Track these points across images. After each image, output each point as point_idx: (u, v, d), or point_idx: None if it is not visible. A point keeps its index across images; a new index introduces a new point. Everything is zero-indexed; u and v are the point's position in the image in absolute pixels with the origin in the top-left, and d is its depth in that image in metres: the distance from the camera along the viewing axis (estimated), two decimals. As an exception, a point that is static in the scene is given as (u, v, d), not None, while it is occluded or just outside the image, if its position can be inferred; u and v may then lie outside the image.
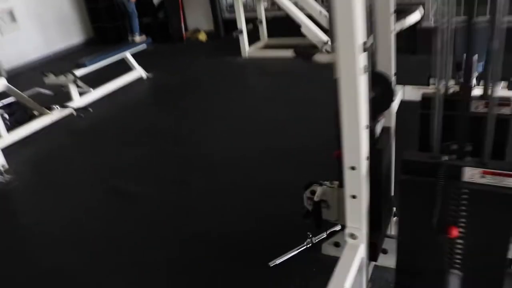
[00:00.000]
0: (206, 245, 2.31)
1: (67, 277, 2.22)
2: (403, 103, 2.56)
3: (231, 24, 5.94)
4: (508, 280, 1.35)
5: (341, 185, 1.87)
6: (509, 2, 1.25)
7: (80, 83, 4.55)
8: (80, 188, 3.04)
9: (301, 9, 4.98)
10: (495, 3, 1.19)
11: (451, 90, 1.54)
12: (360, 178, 1.34)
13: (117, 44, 5.97)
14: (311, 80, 4.39)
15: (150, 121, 4.10)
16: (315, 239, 2.11)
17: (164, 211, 2.66)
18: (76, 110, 4.32)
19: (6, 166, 3.34)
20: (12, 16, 6.26)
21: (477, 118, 1.30)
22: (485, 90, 1.48)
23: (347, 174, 1.35)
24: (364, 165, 1.33)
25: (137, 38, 6.81)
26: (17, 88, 4.11)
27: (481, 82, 1.56)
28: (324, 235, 2.10)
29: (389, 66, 1.62)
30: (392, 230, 1.92)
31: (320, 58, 1.30)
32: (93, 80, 4.76)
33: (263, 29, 5.90)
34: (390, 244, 1.77)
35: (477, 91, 1.48)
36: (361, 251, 1.45)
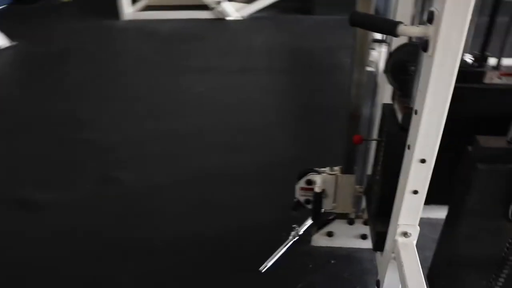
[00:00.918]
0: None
1: None
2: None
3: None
4: None
5: (345, 172, 1.67)
6: None
7: None
8: None
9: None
10: None
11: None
12: (428, 173, 1.13)
13: None
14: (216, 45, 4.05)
15: (32, 103, 3.23)
16: (300, 230, 1.88)
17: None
18: None
19: None
20: None
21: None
22: None
23: (414, 167, 1.12)
24: (434, 159, 1.12)
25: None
26: None
27: None
28: (308, 224, 1.89)
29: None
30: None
31: (406, 30, 1.02)
32: None
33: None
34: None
35: None
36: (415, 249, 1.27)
